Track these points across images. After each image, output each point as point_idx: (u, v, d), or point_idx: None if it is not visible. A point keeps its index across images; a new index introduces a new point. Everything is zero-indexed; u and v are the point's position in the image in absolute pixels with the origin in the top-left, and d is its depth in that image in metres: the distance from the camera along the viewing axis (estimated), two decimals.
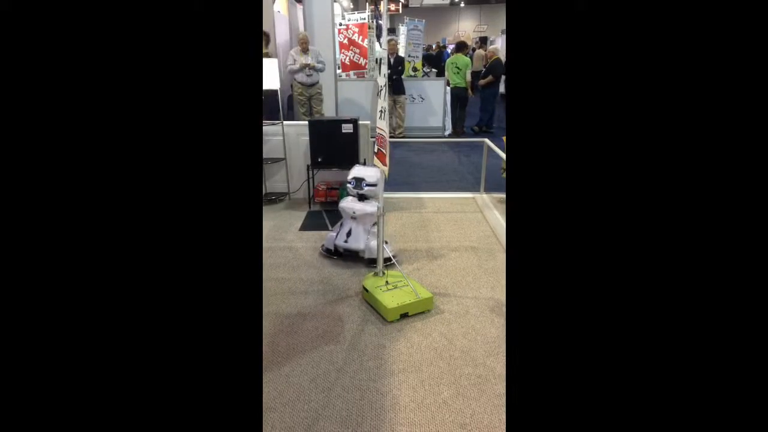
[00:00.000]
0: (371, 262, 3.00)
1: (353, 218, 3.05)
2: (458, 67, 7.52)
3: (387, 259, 2.93)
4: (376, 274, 2.73)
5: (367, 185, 3.00)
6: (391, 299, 2.44)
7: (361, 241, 3.01)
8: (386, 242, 2.95)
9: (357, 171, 3.10)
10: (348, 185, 3.10)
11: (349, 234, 3.05)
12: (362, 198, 3.06)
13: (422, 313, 2.48)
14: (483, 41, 14.70)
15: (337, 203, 3.36)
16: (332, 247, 3.13)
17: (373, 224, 3.02)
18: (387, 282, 2.61)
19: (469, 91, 7.72)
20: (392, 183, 4.90)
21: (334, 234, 3.13)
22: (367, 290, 2.57)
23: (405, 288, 2.56)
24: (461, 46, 7.91)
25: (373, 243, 2.94)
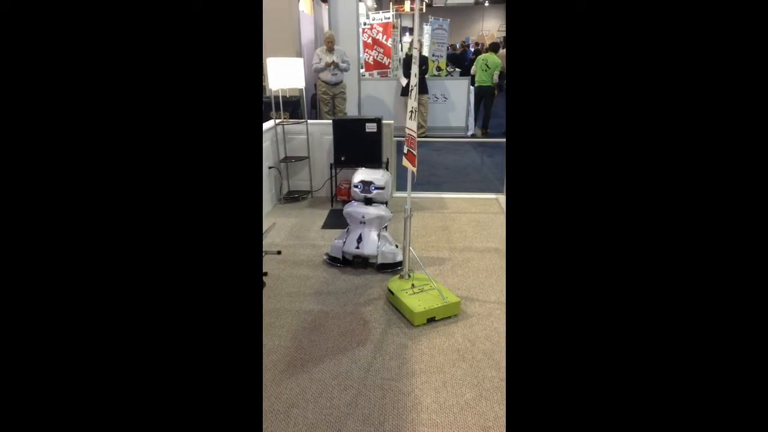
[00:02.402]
0: (382, 268, 2.92)
1: (362, 223, 2.95)
2: (488, 65, 7.48)
3: (399, 263, 2.89)
4: (401, 277, 2.70)
5: (376, 188, 2.93)
6: (417, 303, 2.40)
7: (373, 246, 2.92)
8: (397, 246, 2.92)
9: (363, 174, 3.02)
10: (354, 189, 3.01)
11: (359, 240, 2.94)
12: (369, 202, 2.98)
13: (449, 317, 2.45)
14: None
15: None
16: (339, 255, 2.98)
17: (383, 227, 2.94)
18: (413, 285, 2.58)
19: (495, 90, 7.68)
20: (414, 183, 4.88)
21: (341, 242, 2.99)
22: (392, 293, 2.54)
23: (431, 291, 2.52)
24: (495, 46, 7.94)
25: (385, 248, 2.90)
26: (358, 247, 2.92)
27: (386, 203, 3.08)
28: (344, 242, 2.97)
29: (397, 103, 7.44)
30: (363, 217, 2.93)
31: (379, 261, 2.91)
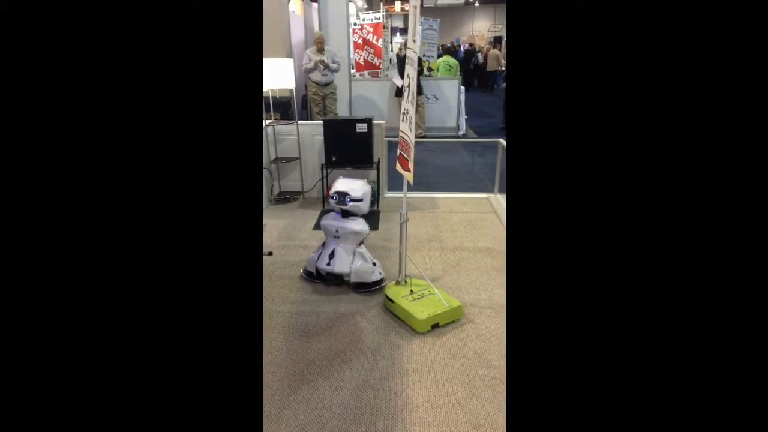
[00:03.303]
0: (358, 288, 2.69)
1: (336, 237, 2.72)
2: (450, 66, 8.41)
3: (375, 283, 2.70)
4: (398, 283, 2.63)
5: (352, 200, 2.67)
6: (420, 310, 2.33)
7: (345, 263, 2.68)
8: (375, 263, 2.73)
9: (340, 184, 2.75)
10: (330, 200, 2.76)
11: (332, 256, 2.70)
12: (346, 214, 2.73)
13: (452, 322, 2.40)
14: (497, 41, 14.62)
15: None
16: (314, 270, 2.78)
17: (359, 243, 2.73)
18: (411, 291, 2.51)
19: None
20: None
21: (315, 256, 2.78)
22: (391, 300, 2.45)
23: (431, 297, 2.45)
24: (450, 50, 8.85)
25: (359, 265, 2.67)
26: (329, 264, 2.70)
27: (366, 216, 2.83)
28: (318, 256, 2.77)
29: (390, 103, 7.44)
30: (337, 231, 2.71)
31: (353, 280, 2.68)
